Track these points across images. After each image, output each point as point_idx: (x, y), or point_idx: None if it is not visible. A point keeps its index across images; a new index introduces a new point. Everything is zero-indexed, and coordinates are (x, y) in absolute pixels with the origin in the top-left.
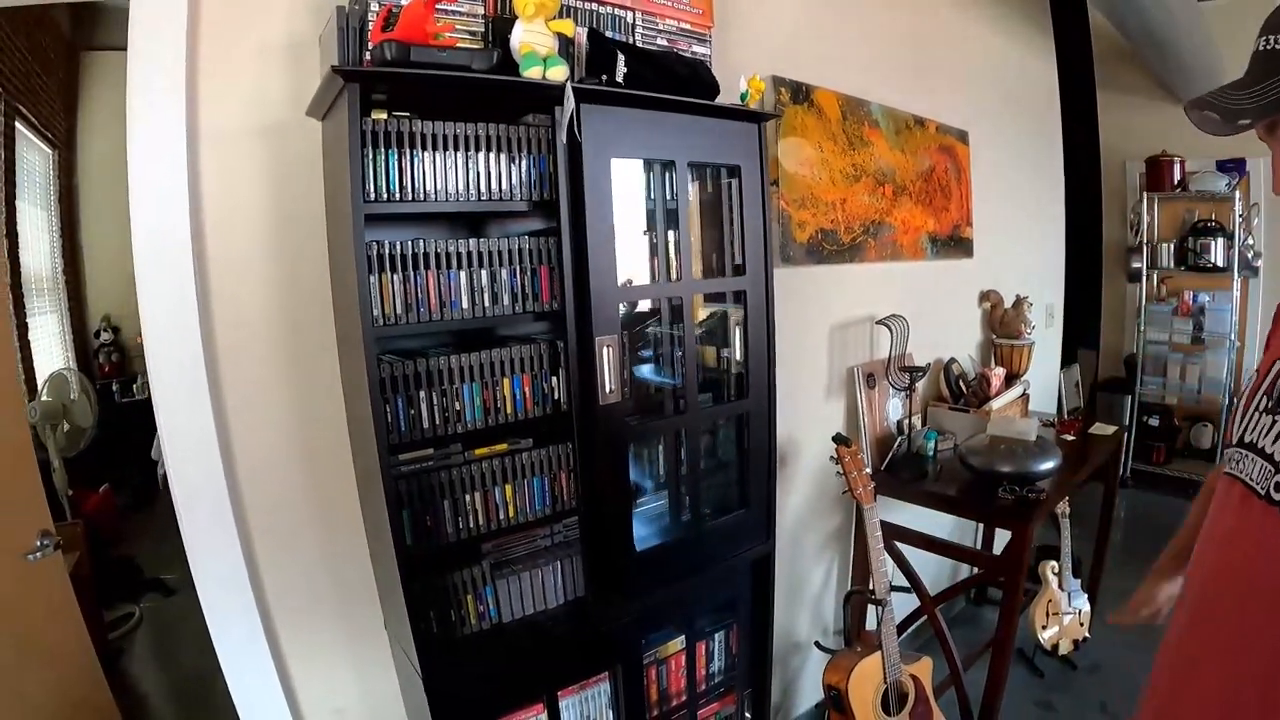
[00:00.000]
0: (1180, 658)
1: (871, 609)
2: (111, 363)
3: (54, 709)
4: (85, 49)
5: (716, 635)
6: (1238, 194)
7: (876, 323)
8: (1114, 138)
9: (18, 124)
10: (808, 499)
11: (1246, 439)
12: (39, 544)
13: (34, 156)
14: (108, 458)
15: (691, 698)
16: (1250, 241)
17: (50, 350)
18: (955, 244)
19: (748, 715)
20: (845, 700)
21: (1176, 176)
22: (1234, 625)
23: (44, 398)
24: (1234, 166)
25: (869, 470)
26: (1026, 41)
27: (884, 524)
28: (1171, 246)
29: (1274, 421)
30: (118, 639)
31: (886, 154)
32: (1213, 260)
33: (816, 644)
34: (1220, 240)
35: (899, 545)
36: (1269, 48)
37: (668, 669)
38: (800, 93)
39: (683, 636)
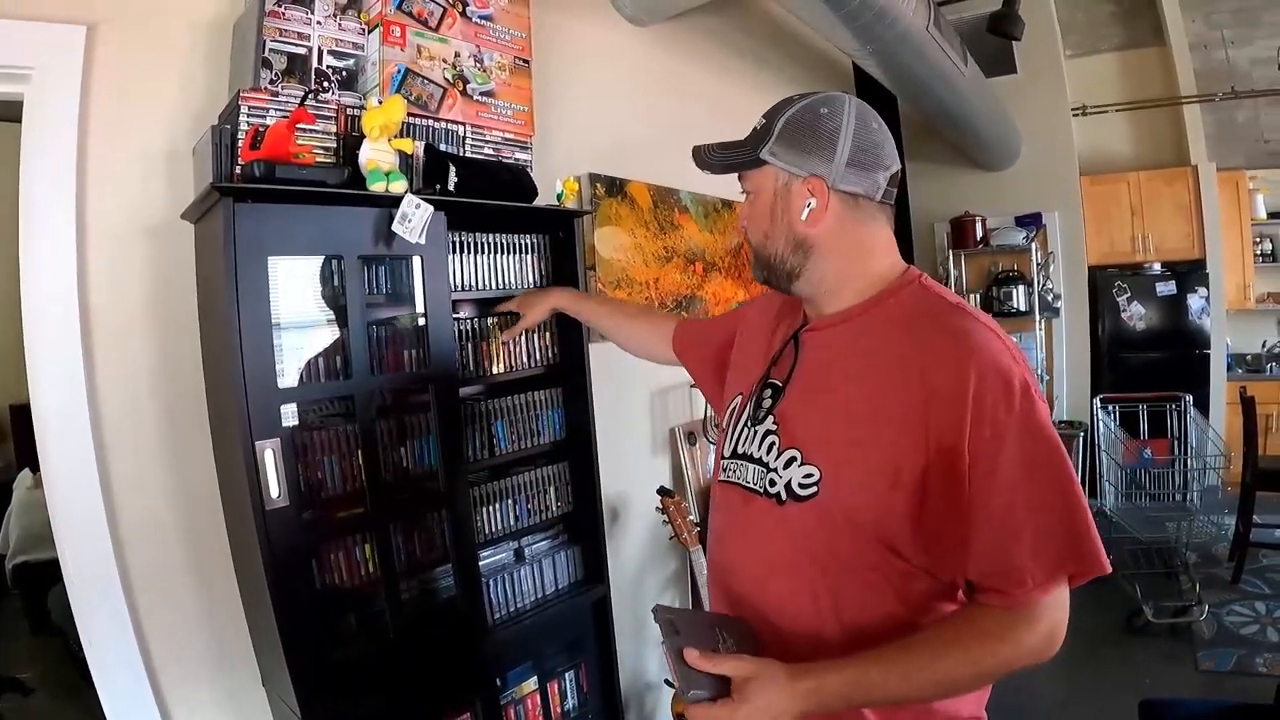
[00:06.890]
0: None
1: None
2: None
3: None
4: None
5: (568, 674)
6: (1034, 245)
7: (691, 386)
8: (922, 201)
9: None
10: (643, 546)
11: (740, 450)
12: None
13: None
14: None
15: None
16: (1050, 285)
17: None
18: None
19: None
20: None
21: (979, 233)
22: (762, 594)
23: None
24: (1031, 221)
25: (694, 518)
26: None
27: None
28: (978, 296)
29: (755, 432)
30: None
31: (696, 235)
32: (1016, 306)
33: (666, 681)
34: (1021, 287)
35: None
36: (756, 126)
37: (525, 709)
38: (615, 186)
39: (535, 677)
